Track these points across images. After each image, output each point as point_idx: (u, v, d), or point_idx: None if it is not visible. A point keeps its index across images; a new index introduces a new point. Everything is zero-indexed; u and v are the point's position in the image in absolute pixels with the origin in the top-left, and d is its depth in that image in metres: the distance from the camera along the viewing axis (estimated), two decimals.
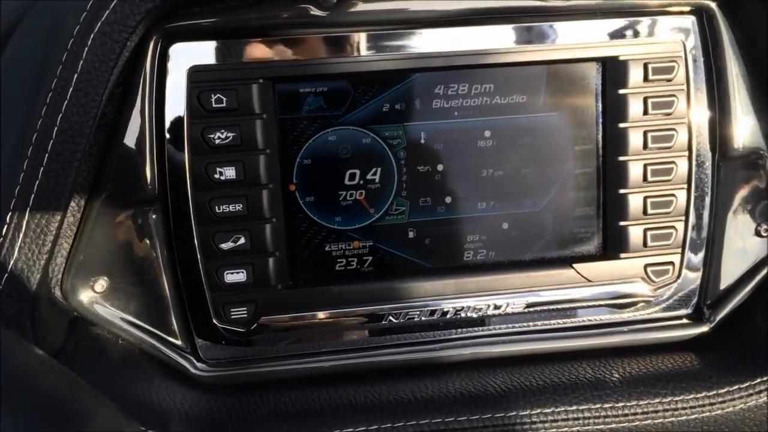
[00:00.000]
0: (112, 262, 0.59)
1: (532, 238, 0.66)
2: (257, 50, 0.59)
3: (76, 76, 0.50)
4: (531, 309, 0.66)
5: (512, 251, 0.66)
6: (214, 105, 0.58)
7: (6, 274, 0.51)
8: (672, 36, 0.64)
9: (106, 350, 0.59)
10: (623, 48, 0.63)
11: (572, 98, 0.65)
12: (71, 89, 0.50)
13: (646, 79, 0.63)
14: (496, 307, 0.65)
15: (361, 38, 0.60)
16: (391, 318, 0.64)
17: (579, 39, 0.63)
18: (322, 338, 0.64)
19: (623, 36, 0.63)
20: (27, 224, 0.51)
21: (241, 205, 0.60)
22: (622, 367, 0.65)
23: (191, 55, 0.58)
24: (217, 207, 0.60)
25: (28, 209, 0.51)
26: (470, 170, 0.65)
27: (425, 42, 0.61)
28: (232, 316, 0.61)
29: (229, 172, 0.59)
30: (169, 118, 0.58)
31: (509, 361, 0.65)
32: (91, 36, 0.49)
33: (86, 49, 0.50)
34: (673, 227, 0.66)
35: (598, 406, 0.58)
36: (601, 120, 0.65)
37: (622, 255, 0.66)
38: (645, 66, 0.63)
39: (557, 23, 0.63)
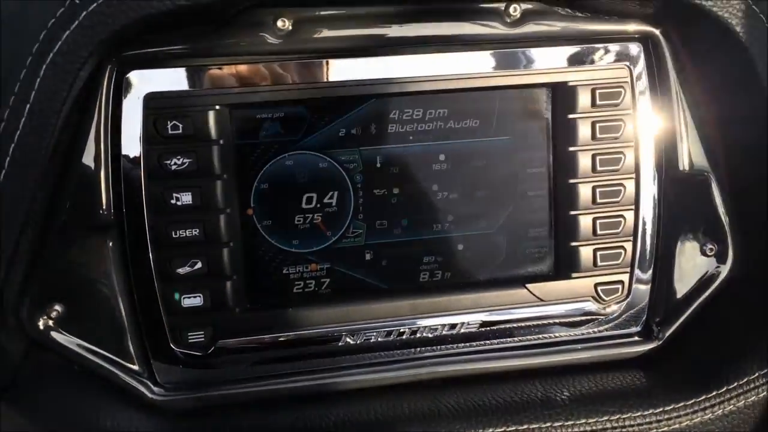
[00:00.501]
0: (68, 288, 0.59)
1: (486, 258, 0.68)
2: (213, 77, 0.60)
3: (28, 106, 0.50)
4: (485, 328, 0.67)
5: (467, 272, 0.68)
6: (170, 131, 0.59)
7: None
8: (619, 62, 0.66)
9: (63, 377, 0.58)
10: (572, 74, 0.66)
11: (524, 122, 0.67)
12: (24, 119, 0.50)
13: (593, 104, 0.66)
14: (451, 327, 0.66)
15: (316, 65, 0.62)
16: (348, 339, 0.65)
17: (530, 65, 0.65)
18: (281, 361, 0.64)
19: (572, 62, 0.65)
20: None
21: (198, 230, 0.61)
22: (573, 385, 0.66)
23: (147, 82, 0.59)
24: (173, 232, 0.60)
25: None
26: (426, 193, 0.66)
27: (380, 68, 0.63)
28: (190, 340, 0.62)
29: (186, 198, 0.60)
30: (125, 144, 0.59)
31: (465, 380, 0.66)
32: (43, 67, 0.50)
33: (38, 79, 0.50)
34: (621, 247, 0.68)
35: (548, 425, 0.60)
36: (551, 144, 0.67)
37: (573, 275, 0.68)
38: (593, 91, 0.65)
39: (508, 50, 0.64)
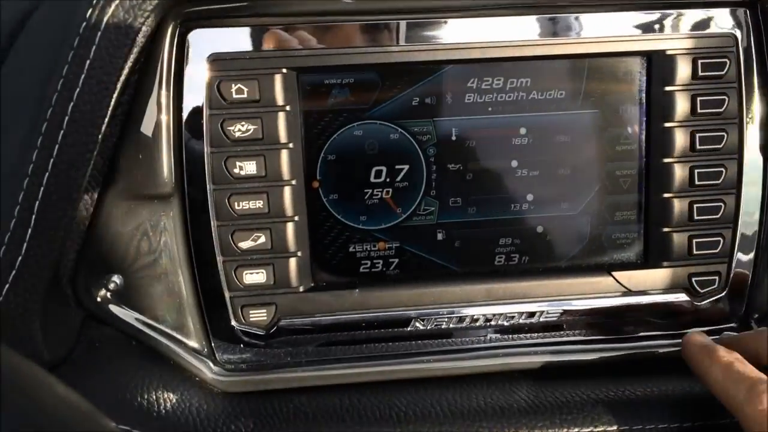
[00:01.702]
0: (126, 259, 0.56)
1: (568, 243, 0.63)
2: (281, 38, 0.56)
3: (88, 62, 0.47)
4: (566, 318, 0.62)
5: (547, 256, 0.63)
6: (234, 95, 0.55)
7: (13, 272, 0.48)
8: (723, 30, 0.60)
9: (119, 352, 0.56)
10: (670, 42, 0.59)
11: (614, 95, 0.61)
12: (83, 76, 0.47)
13: (694, 75, 0.59)
14: (530, 315, 0.61)
15: (391, 27, 0.57)
16: (417, 324, 0.61)
17: (623, 31, 0.59)
18: (344, 344, 0.61)
19: (671, 29, 0.59)
20: (36, 219, 0.48)
21: (262, 202, 0.57)
22: (658, 384, 0.60)
23: (211, 42, 0.55)
24: (236, 203, 0.57)
25: (38, 203, 0.48)
26: (504, 169, 0.61)
27: (459, 32, 0.58)
28: (251, 318, 0.58)
29: (250, 167, 0.56)
30: (187, 108, 0.55)
31: (542, 373, 0.61)
32: (105, 20, 0.46)
33: (99, 33, 0.47)
34: (720, 235, 0.61)
35: (638, 427, 0.54)
36: (645, 119, 0.61)
37: (665, 263, 0.62)
38: (694, 61, 0.59)
39: (601, 14, 0.59)
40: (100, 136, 0.49)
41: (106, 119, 0.49)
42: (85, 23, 0.47)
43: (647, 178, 0.62)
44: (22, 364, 0.30)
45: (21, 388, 0.28)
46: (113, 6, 0.46)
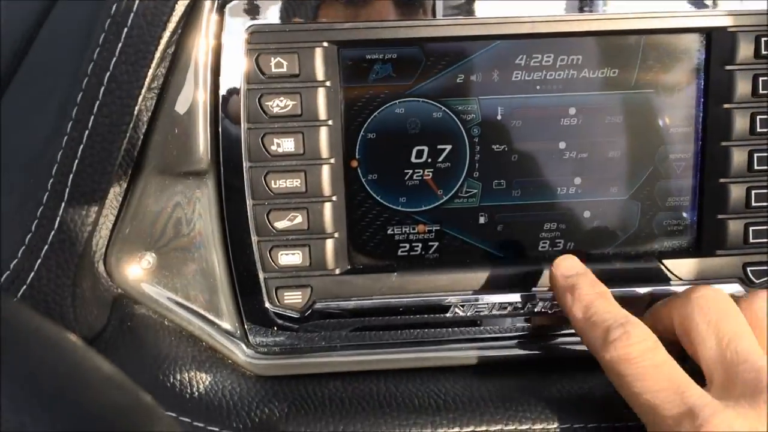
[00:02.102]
0: (159, 237, 0.55)
1: (616, 228, 0.60)
2: (322, 11, 0.53)
3: (126, 30, 0.45)
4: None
5: (593, 242, 0.60)
6: (273, 69, 0.53)
7: (46, 247, 0.47)
8: None
9: (152, 331, 0.54)
10: (732, 18, 0.56)
11: (670, 74, 0.58)
12: (120, 45, 0.45)
13: (757, 54, 0.56)
14: None
15: (437, 1, 0.54)
16: (456, 310, 0.58)
17: (682, 7, 0.56)
18: (381, 329, 0.59)
19: (733, 5, 0.56)
20: (70, 193, 0.47)
21: (299, 181, 0.55)
22: None
23: (251, 13, 0.53)
24: (273, 182, 0.55)
25: (72, 176, 0.47)
26: (551, 151, 0.58)
27: (508, 6, 0.55)
28: (286, 301, 0.57)
29: (288, 144, 0.54)
30: (224, 82, 0.53)
31: (585, 362, 0.58)
32: None
33: (137, 1, 0.45)
34: None
35: None
36: (702, 100, 0.58)
37: (719, 252, 0.59)
38: (757, 39, 0.56)
39: None
40: (136, 108, 0.47)
41: (143, 91, 0.47)
42: None
43: (703, 162, 0.58)
44: (65, 337, 0.28)
45: (64, 362, 0.27)
46: None
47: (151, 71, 0.47)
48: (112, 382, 0.28)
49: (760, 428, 0.41)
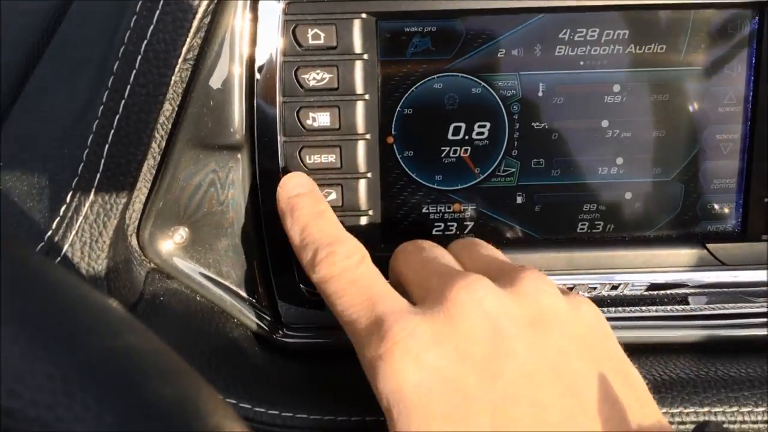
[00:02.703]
0: (193, 212, 0.54)
1: (659, 211, 0.58)
2: None
3: None
4: (653, 292, 0.57)
5: (635, 225, 0.58)
6: (310, 41, 0.52)
7: (80, 218, 0.46)
8: None
9: (184, 306, 0.54)
10: None
11: (720, 50, 0.55)
12: (158, 12, 0.44)
13: None
14: (614, 287, 0.57)
15: None
16: None
17: None
18: None
19: None
20: (105, 164, 0.46)
21: (334, 157, 0.54)
22: (747, 364, 0.56)
23: None
24: (308, 157, 0.54)
25: (107, 147, 0.46)
26: (593, 130, 0.56)
27: None
28: None
29: (323, 119, 0.53)
30: (260, 54, 0.52)
31: (624, 349, 0.57)
32: None
33: None
34: None
35: (734, 409, 0.50)
36: (752, 78, 0.56)
37: (765, 237, 0.57)
38: None
39: None
40: (173, 78, 0.46)
41: (180, 60, 0.46)
42: None
43: (751, 143, 0.56)
44: (108, 303, 0.27)
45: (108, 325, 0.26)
46: None
47: (188, 41, 0.46)
48: (159, 354, 0.27)
49: (444, 331, 0.39)
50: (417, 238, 0.57)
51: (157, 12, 0.44)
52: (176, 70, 0.46)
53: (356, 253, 0.46)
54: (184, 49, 0.46)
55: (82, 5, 0.54)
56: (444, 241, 0.57)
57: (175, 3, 0.45)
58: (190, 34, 0.46)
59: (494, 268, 0.46)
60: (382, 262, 0.56)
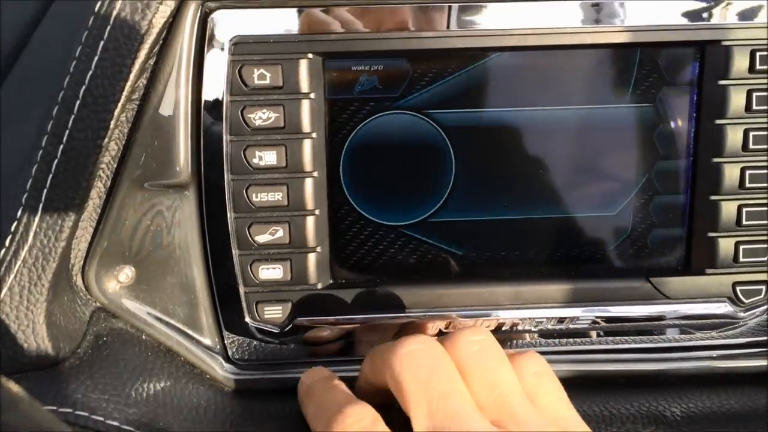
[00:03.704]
0: (139, 250, 0.54)
1: (604, 245, 0.59)
2: (307, 21, 0.52)
3: (102, 43, 0.44)
4: (597, 325, 0.58)
5: (580, 259, 0.59)
6: (256, 81, 0.52)
7: (18, 262, 0.46)
8: None
9: (128, 346, 0.53)
10: (726, 31, 0.55)
11: (663, 88, 0.56)
12: (96, 58, 0.44)
13: (752, 69, 0.55)
14: (559, 321, 0.58)
15: (424, 11, 0.53)
16: (440, 327, 0.57)
17: (676, 20, 0.54)
18: (365, 345, 0.58)
19: (727, 18, 0.54)
20: (43, 208, 0.46)
21: (281, 194, 0.54)
22: (689, 399, 0.57)
23: (234, 24, 0.52)
24: (255, 195, 0.54)
25: (46, 190, 0.46)
26: (540, 165, 0.57)
27: (497, 18, 0.53)
28: (266, 315, 0.56)
29: (270, 157, 0.53)
30: (206, 94, 0.52)
31: (569, 383, 0.58)
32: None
33: (114, 13, 0.44)
34: None
35: None
36: (695, 114, 0.57)
37: (708, 271, 0.58)
38: (752, 53, 0.54)
39: (652, 1, 0.54)
40: (112, 122, 0.46)
41: (120, 104, 0.46)
42: (100, 2, 0.44)
43: (694, 178, 0.57)
44: None
45: None
46: None
47: (129, 84, 0.46)
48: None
49: None
50: (366, 275, 0.58)
51: (96, 58, 0.44)
52: (116, 114, 0.46)
53: (367, 416, 0.42)
54: (125, 92, 0.46)
55: (39, 41, 0.53)
56: (394, 276, 0.58)
57: (114, 49, 0.45)
58: (132, 77, 0.46)
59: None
60: (331, 298, 0.56)
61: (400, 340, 0.43)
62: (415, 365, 0.41)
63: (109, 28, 0.44)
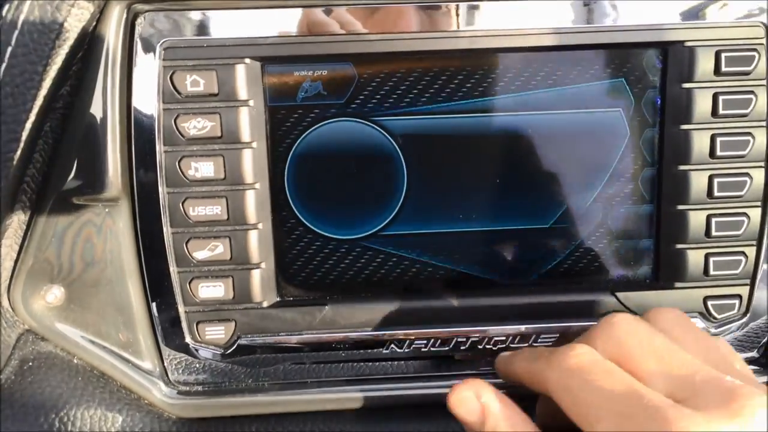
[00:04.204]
0: (68, 269, 0.51)
1: (567, 257, 0.56)
2: (244, 24, 0.49)
3: (9, 49, 0.41)
4: (564, 343, 0.55)
5: (541, 272, 0.56)
6: (189, 88, 0.49)
7: None
8: (751, 18, 0.52)
9: (57, 371, 0.50)
10: (690, 32, 0.52)
11: (624, 92, 0.53)
12: (4, 65, 0.41)
13: (717, 71, 0.52)
14: (523, 338, 0.55)
15: (370, 12, 0.50)
16: (393, 346, 0.54)
17: (636, 20, 0.51)
18: (311, 366, 0.54)
19: (690, 17, 0.52)
20: None
21: (220, 208, 0.51)
22: None
23: (164, 27, 0.49)
24: (191, 208, 0.51)
25: None
26: (495, 174, 0.54)
27: (446, 19, 0.51)
28: (207, 336, 0.53)
29: (206, 169, 0.50)
30: (137, 102, 0.50)
31: (532, 401, 0.54)
32: (28, 2, 0.40)
33: (22, 17, 0.41)
34: (742, 253, 0.54)
35: None
36: (659, 120, 0.54)
37: (678, 284, 0.54)
38: (717, 55, 0.51)
39: (611, 0, 0.51)
40: (24, 134, 0.43)
41: (34, 114, 0.43)
42: (7, 6, 0.41)
43: (660, 187, 0.54)
44: None
45: None
46: None
47: (44, 92, 0.43)
48: None
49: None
50: (315, 292, 0.55)
51: (3, 65, 0.41)
52: (27, 125, 0.43)
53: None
54: (40, 100, 0.43)
55: None
56: (343, 292, 0.54)
57: (23, 55, 0.42)
58: (47, 85, 0.43)
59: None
60: (277, 316, 0.53)
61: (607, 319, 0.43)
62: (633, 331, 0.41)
63: (16, 33, 0.41)
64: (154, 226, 0.51)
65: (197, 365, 0.54)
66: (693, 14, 0.51)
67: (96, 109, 0.49)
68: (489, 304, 0.55)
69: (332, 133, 0.53)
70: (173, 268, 0.52)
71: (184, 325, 0.53)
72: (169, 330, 0.53)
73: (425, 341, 0.54)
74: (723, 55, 0.51)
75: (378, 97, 0.52)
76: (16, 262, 0.50)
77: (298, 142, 0.53)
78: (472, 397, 0.44)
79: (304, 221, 0.54)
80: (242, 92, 0.50)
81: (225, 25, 0.49)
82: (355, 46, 0.51)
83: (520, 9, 0.51)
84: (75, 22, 0.43)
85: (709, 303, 0.54)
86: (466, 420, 0.44)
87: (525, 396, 0.45)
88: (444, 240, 0.55)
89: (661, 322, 0.44)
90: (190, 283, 0.52)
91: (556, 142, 0.53)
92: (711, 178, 0.53)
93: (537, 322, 0.55)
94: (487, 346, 0.54)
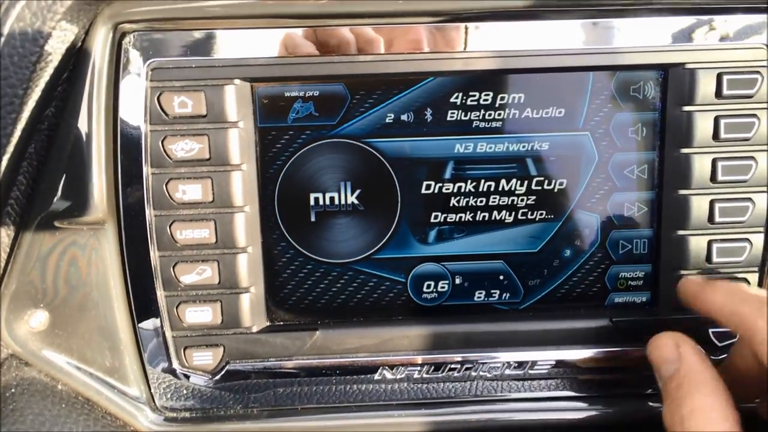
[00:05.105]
0: (52, 293, 0.50)
1: (564, 282, 0.54)
2: (233, 44, 0.48)
3: None
4: (558, 370, 0.54)
5: (538, 298, 0.54)
6: (177, 109, 0.48)
7: None
8: (753, 39, 0.51)
9: (41, 397, 0.49)
10: (691, 54, 0.50)
11: (623, 114, 0.52)
12: None
13: (718, 93, 0.50)
14: (518, 366, 0.53)
15: (362, 33, 0.49)
16: (385, 372, 0.53)
17: (636, 41, 0.50)
18: (302, 392, 0.53)
19: (691, 39, 0.50)
20: None
21: (209, 231, 0.50)
22: None
23: (152, 48, 0.48)
24: (179, 232, 0.50)
25: None
26: (490, 196, 0.53)
27: (441, 39, 0.50)
28: (195, 362, 0.52)
29: (194, 191, 0.49)
30: (123, 124, 0.49)
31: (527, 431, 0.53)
32: (9, 24, 0.40)
33: (2, 39, 0.40)
34: (744, 279, 0.52)
35: None
36: (659, 143, 0.52)
37: (677, 312, 0.53)
38: (719, 77, 0.50)
39: (607, 20, 0.50)
40: (6, 158, 0.42)
41: (14, 138, 0.42)
42: None
43: (661, 211, 0.53)
44: None
45: None
46: (18, 8, 0.40)
47: (26, 114, 0.43)
48: None
49: None
50: (306, 316, 0.54)
51: None
52: (9, 149, 0.42)
53: None
54: (21, 123, 0.42)
55: None
56: (335, 317, 0.53)
57: (4, 78, 0.41)
58: (29, 108, 0.42)
59: None
60: (267, 342, 0.52)
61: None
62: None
63: None
64: (140, 250, 0.50)
65: (185, 391, 0.52)
66: (693, 36, 0.50)
67: (82, 131, 0.48)
68: (484, 330, 0.53)
69: (323, 154, 0.52)
70: (160, 293, 0.50)
71: (171, 350, 0.51)
72: (155, 355, 0.52)
73: (418, 367, 0.53)
74: (725, 77, 0.50)
75: (371, 118, 0.51)
76: None
77: (289, 163, 0.52)
78: (671, 345, 0.46)
79: (295, 244, 0.53)
80: (231, 113, 0.49)
81: (214, 45, 0.48)
82: (347, 66, 0.50)
83: (514, 31, 0.50)
84: (58, 44, 0.42)
85: (711, 331, 0.53)
86: (660, 364, 0.46)
87: None
88: (439, 262, 0.54)
89: None
90: (177, 307, 0.51)
91: (551, 165, 0.52)
92: (712, 203, 0.51)
93: (534, 349, 0.53)
94: (483, 373, 0.53)
